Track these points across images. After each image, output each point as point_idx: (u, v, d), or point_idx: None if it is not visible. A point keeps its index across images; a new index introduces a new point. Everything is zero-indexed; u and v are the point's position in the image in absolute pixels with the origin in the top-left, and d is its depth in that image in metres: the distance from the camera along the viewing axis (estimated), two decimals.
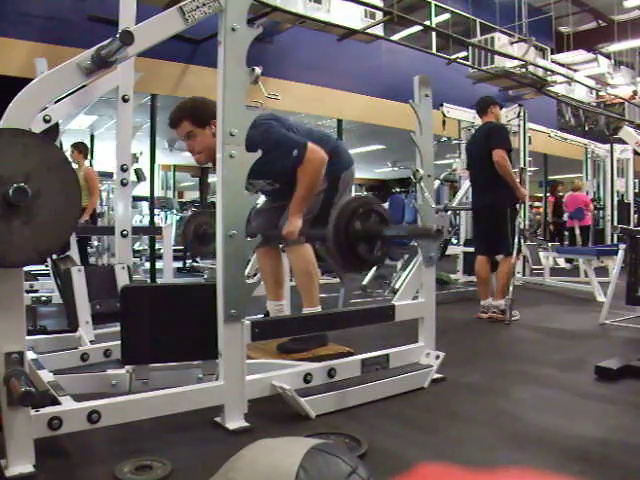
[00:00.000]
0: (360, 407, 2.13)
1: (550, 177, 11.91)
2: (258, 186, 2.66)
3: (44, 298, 3.93)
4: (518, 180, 4.23)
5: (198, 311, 1.94)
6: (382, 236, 2.06)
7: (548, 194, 11.14)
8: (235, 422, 1.88)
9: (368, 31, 7.25)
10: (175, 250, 7.05)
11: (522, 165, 6.19)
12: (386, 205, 8.28)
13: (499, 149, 4.03)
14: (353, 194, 2.82)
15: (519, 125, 6.58)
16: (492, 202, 4.15)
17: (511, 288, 4.06)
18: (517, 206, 4.23)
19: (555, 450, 1.74)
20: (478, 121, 6.48)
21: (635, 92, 12.37)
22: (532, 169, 7.82)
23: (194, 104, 2.46)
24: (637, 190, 9.50)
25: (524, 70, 8.90)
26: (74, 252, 3.42)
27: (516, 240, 4.12)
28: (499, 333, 3.79)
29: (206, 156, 2.46)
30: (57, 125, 2.97)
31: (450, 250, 6.36)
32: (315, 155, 2.44)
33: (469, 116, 6.69)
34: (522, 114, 6.57)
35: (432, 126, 2.57)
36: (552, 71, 9.69)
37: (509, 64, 8.83)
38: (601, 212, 8.89)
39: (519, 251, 4.40)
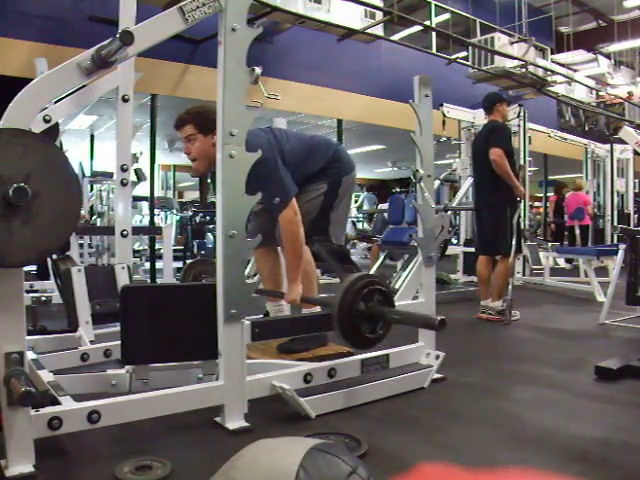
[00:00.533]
0: (360, 407, 2.13)
1: (550, 177, 11.91)
2: None
3: (44, 298, 3.92)
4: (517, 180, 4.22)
5: (198, 311, 1.94)
6: (384, 318, 2.08)
7: (551, 194, 11.13)
8: (235, 422, 1.88)
9: (368, 31, 7.24)
10: (175, 250, 7.06)
11: (522, 162, 6.20)
12: (386, 205, 8.29)
13: (496, 148, 4.03)
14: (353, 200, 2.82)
15: (519, 125, 6.58)
16: (491, 201, 4.16)
17: (510, 288, 4.06)
18: (517, 204, 4.20)
19: (555, 450, 1.74)
20: (478, 121, 6.52)
21: (630, 93, 12.36)
22: (532, 169, 7.83)
23: (202, 110, 2.47)
24: (637, 190, 9.49)
25: (524, 70, 8.90)
26: (74, 252, 3.42)
27: (514, 241, 4.11)
28: (499, 333, 3.79)
29: (202, 164, 2.48)
30: (57, 125, 2.97)
31: (450, 250, 6.36)
32: (289, 215, 2.47)
33: (469, 116, 6.70)
34: (522, 114, 6.58)
35: (432, 126, 2.57)
36: (552, 71, 9.68)
37: (509, 64, 8.83)
38: (601, 212, 8.88)
39: (520, 251, 4.40)
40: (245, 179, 1.88)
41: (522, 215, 5.70)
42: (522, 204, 4.27)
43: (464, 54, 8.86)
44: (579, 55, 12.20)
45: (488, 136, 4.14)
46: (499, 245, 4.13)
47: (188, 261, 3.80)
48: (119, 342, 2.01)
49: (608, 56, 13.32)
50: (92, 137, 9.92)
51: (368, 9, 7.23)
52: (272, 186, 2.44)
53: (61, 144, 3.97)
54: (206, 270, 3.44)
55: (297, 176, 2.57)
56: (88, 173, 8.12)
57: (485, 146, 4.11)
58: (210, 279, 3.37)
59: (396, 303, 2.44)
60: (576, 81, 10.98)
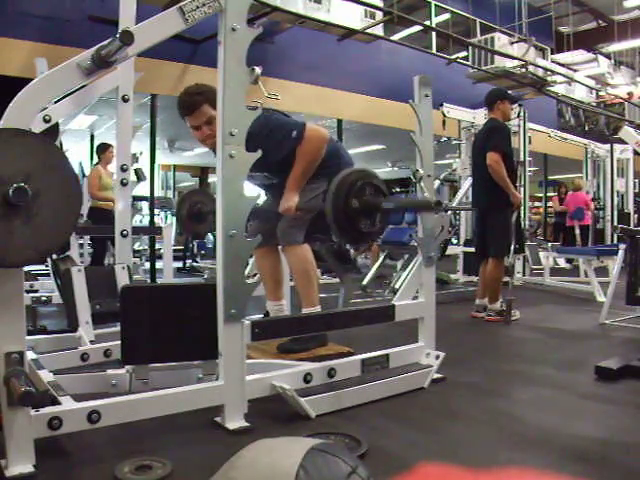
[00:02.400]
0: (360, 407, 2.13)
1: (550, 177, 11.91)
2: (257, 179, 2.66)
3: (44, 298, 3.92)
4: (516, 181, 4.21)
5: (198, 311, 1.94)
6: (381, 209, 2.06)
7: (554, 193, 11.12)
8: (235, 422, 1.88)
9: (368, 31, 7.24)
10: (175, 250, 7.06)
11: (521, 159, 6.19)
12: None
13: (493, 152, 3.98)
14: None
15: (519, 125, 6.58)
16: (489, 202, 4.15)
17: (510, 287, 4.06)
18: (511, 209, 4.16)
19: (555, 450, 1.74)
20: (478, 121, 6.53)
21: (630, 93, 12.35)
22: (532, 169, 7.83)
23: (210, 87, 2.37)
24: (637, 190, 9.49)
25: (524, 70, 8.89)
26: (74, 252, 3.42)
27: (513, 241, 4.09)
28: (499, 333, 3.79)
29: None
30: (57, 125, 2.96)
31: (450, 250, 6.37)
32: (315, 133, 2.47)
33: (469, 116, 6.70)
34: (522, 114, 6.58)
35: (432, 126, 2.57)
36: (552, 71, 9.68)
37: (509, 64, 8.82)
38: (601, 212, 8.88)
39: (522, 251, 4.39)
40: (244, 179, 1.89)
41: (522, 215, 5.71)
42: (522, 204, 4.24)
43: (464, 54, 8.86)
44: (579, 55, 12.20)
45: (487, 137, 4.12)
46: (491, 246, 4.11)
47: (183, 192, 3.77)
48: (119, 342, 2.01)
49: (608, 56, 13.31)
50: (92, 137, 9.92)
51: (368, 9, 7.22)
52: (282, 129, 2.45)
53: (61, 144, 3.96)
54: (201, 200, 3.44)
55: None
56: (88, 173, 8.12)
57: (484, 146, 4.09)
58: (204, 207, 3.36)
59: (396, 303, 2.45)
60: (576, 81, 10.98)
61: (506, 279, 4.16)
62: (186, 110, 2.48)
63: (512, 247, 4.09)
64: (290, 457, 0.92)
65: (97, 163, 5.99)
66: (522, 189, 6.49)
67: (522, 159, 6.21)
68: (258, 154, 1.90)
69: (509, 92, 4.39)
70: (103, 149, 5.93)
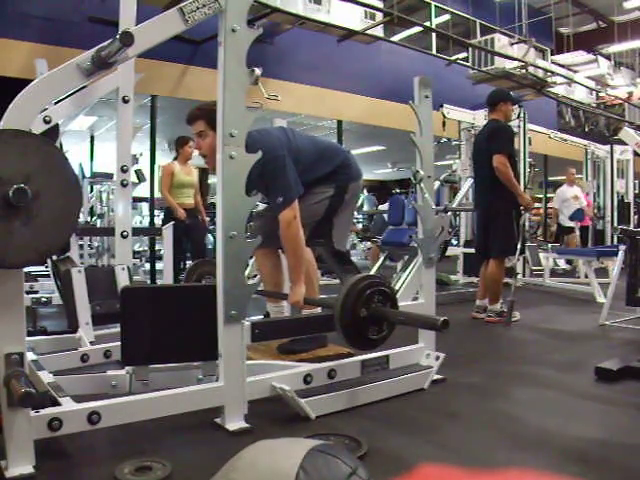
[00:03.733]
0: (360, 408, 2.13)
1: (550, 178, 11.91)
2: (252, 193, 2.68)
3: (44, 299, 3.92)
4: (523, 184, 4.19)
5: (198, 312, 1.94)
6: (387, 319, 2.08)
7: (552, 195, 11.12)
8: (235, 423, 1.88)
9: (368, 32, 7.24)
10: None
11: (531, 161, 6.18)
12: (386, 206, 8.27)
13: (499, 154, 3.95)
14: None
15: (519, 126, 6.58)
16: (491, 203, 4.14)
17: (512, 289, 4.06)
18: (518, 206, 4.12)
19: (555, 451, 1.74)
20: (478, 122, 6.53)
21: (630, 94, 12.36)
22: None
23: (214, 107, 2.46)
24: (637, 191, 9.48)
25: (524, 71, 8.90)
26: (74, 253, 3.42)
27: (518, 244, 4.08)
28: (499, 334, 3.78)
29: (212, 161, 2.48)
30: (57, 126, 2.96)
31: (450, 251, 6.36)
32: (289, 216, 2.46)
33: (469, 117, 6.70)
34: (522, 115, 6.57)
35: (432, 127, 2.57)
36: (552, 72, 9.69)
37: (509, 65, 8.83)
38: (600, 221, 8.87)
39: (522, 252, 4.38)
40: (245, 179, 1.89)
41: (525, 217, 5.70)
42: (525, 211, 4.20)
43: (464, 55, 8.86)
44: (579, 56, 12.20)
45: (489, 138, 4.10)
46: (494, 246, 4.11)
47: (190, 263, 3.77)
48: (119, 343, 2.01)
49: (608, 57, 13.31)
50: (92, 138, 9.92)
51: (368, 10, 7.22)
52: (278, 184, 2.46)
53: (61, 145, 3.96)
54: (210, 271, 3.44)
55: (305, 177, 2.58)
56: (88, 174, 8.13)
57: (486, 147, 4.08)
58: (214, 280, 3.37)
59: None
60: (576, 82, 10.99)
61: (507, 280, 4.16)
62: (187, 121, 2.56)
63: (518, 247, 4.08)
64: (290, 458, 0.91)
65: (175, 158, 5.51)
66: (530, 190, 6.49)
67: (532, 161, 6.20)
68: (258, 154, 1.91)
69: (511, 93, 4.37)
70: (182, 143, 5.36)
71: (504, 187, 3.99)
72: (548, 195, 11.48)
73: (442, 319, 1.94)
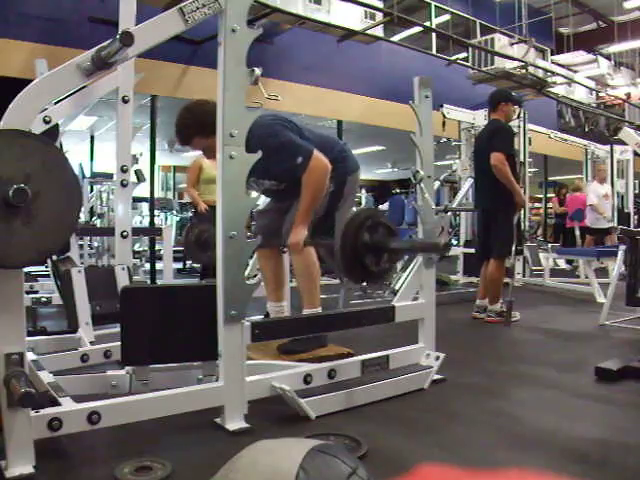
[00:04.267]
0: (360, 408, 2.13)
1: (550, 178, 11.91)
2: (265, 186, 2.66)
3: (44, 299, 3.92)
4: (519, 182, 4.19)
5: (198, 312, 1.94)
6: (389, 249, 2.07)
7: (551, 195, 11.12)
8: (235, 423, 1.88)
9: (368, 32, 7.25)
10: (175, 251, 7.05)
11: (521, 160, 6.18)
12: (386, 206, 8.29)
13: (498, 152, 3.96)
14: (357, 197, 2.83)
15: (519, 126, 6.57)
16: (491, 203, 4.14)
17: (510, 289, 4.06)
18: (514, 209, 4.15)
19: (555, 451, 1.74)
20: (478, 122, 6.53)
21: (628, 94, 12.36)
22: (532, 170, 7.83)
23: (199, 117, 2.42)
24: (637, 191, 9.48)
25: (524, 71, 8.90)
26: (74, 253, 3.42)
27: (513, 245, 4.08)
28: (499, 334, 3.78)
29: None
30: (57, 126, 2.96)
31: (450, 251, 6.36)
32: (319, 164, 2.44)
33: (469, 117, 6.70)
34: (522, 115, 6.57)
35: (432, 127, 2.57)
36: (552, 72, 9.69)
37: (509, 65, 8.83)
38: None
39: (520, 252, 4.39)
40: (244, 180, 1.89)
41: (522, 216, 5.70)
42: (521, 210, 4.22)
43: (464, 55, 8.86)
44: (579, 56, 12.21)
45: (490, 137, 4.10)
46: (494, 246, 4.11)
47: (189, 214, 3.86)
48: (119, 343, 2.01)
49: (608, 57, 13.32)
50: (92, 138, 9.93)
51: (368, 10, 7.23)
52: (290, 150, 2.43)
53: (61, 145, 3.96)
54: (207, 228, 3.46)
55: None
56: (88, 174, 8.14)
57: (486, 147, 4.08)
58: (211, 237, 3.39)
59: (396, 304, 2.45)
60: (576, 82, 10.99)
61: (506, 280, 4.16)
62: (182, 142, 2.55)
63: (513, 248, 4.08)
64: (290, 458, 0.92)
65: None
66: (523, 190, 6.49)
67: (522, 160, 6.20)
68: (258, 155, 1.90)
69: (513, 94, 4.36)
70: None
71: (504, 187, 4.00)
72: (548, 195, 11.49)
73: (443, 241, 1.94)
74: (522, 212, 4.25)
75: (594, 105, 11.99)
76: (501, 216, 4.08)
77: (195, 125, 2.44)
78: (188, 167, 5.76)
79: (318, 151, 2.46)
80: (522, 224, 4.20)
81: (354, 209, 2.43)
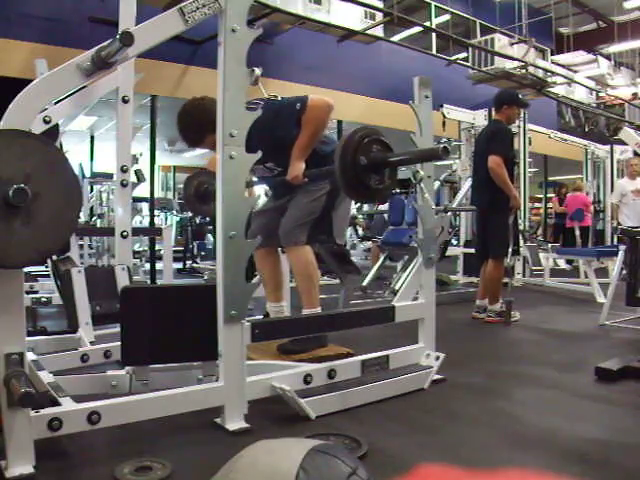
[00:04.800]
0: (360, 408, 2.13)
1: (550, 178, 11.91)
2: (259, 172, 2.66)
3: (44, 299, 3.93)
4: (514, 182, 4.19)
5: (198, 312, 1.94)
6: (388, 162, 2.05)
7: (551, 195, 11.12)
8: (235, 423, 1.88)
9: (368, 32, 7.26)
10: (175, 251, 7.05)
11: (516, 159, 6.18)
12: (386, 206, 8.28)
13: (495, 155, 3.97)
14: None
15: (519, 126, 6.58)
16: (487, 204, 4.14)
17: (509, 288, 4.06)
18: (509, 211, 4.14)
19: (555, 451, 1.74)
20: (478, 122, 6.53)
21: (635, 94, 12.36)
22: (532, 170, 7.83)
23: (208, 116, 2.41)
24: None
25: (524, 71, 8.91)
26: (74, 253, 3.42)
27: (510, 245, 4.08)
28: (499, 334, 3.78)
29: None
30: (57, 126, 2.97)
31: (450, 251, 6.36)
32: (319, 100, 2.49)
33: (469, 117, 6.70)
34: (522, 115, 6.57)
35: (432, 127, 2.57)
36: (552, 72, 9.70)
37: (509, 65, 8.84)
38: (601, 214, 8.87)
39: (517, 253, 4.38)
40: (245, 180, 1.89)
41: (520, 217, 5.70)
42: (523, 205, 4.21)
43: (464, 55, 8.87)
44: (579, 56, 12.22)
45: (489, 139, 4.10)
46: (491, 246, 4.11)
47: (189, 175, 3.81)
48: (119, 343, 2.01)
49: (608, 57, 13.33)
50: (92, 138, 9.93)
51: (368, 10, 7.23)
52: (287, 106, 2.51)
53: (61, 145, 3.96)
54: (208, 180, 3.45)
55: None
56: (88, 174, 8.13)
57: (485, 148, 4.09)
58: (211, 187, 3.38)
59: (396, 304, 2.45)
60: (576, 82, 10.99)
61: (505, 280, 4.16)
62: (193, 144, 2.59)
63: (510, 248, 4.08)
64: (290, 458, 0.92)
65: None
66: (520, 190, 6.49)
67: (517, 160, 6.20)
68: (258, 155, 1.91)
69: (520, 97, 4.31)
70: None
71: (493, 189, 4.01)
72: (548, 195, 11.49)
73: (441, 146, 1.93)
74: (518, 213, 4.22)
75: (594, 105, 12.00)
76: (497, 217, 4.08)
77: (208, 122, 2.43)
78: (206, 165, 5.74)
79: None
80: (518, 225, 4.19)
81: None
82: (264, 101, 2.54)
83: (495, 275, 4.09)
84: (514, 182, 4.27)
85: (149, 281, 6.42)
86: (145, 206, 7.95)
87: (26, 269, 1.62)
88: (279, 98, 2.64)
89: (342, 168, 2.01)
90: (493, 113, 4.40)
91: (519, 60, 8.79)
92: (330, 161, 2.65)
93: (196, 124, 2.48)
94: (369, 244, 9.24)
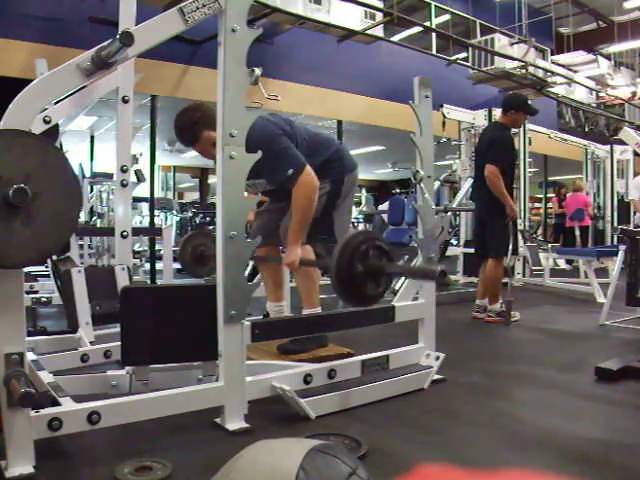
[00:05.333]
0: (360, 408, 2.13)
1: (550, 178, 11.91)
2: (260, 187, 2.66)
3: (44, 299, 3.92)
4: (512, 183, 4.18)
5: (198, 312, 1.94)
6: (385, 272, 2.06)
7: (551, 195, 11.12)
8: (235, 423, 1.88)
9: (368, 32, 7.25)
10: (175, 251, 7.04)
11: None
12: (386, 206, 8.28)
13: (492, 165, 3.95)
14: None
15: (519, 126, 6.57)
16: (486, 204, 4.13)
17: (509, 288, 4.06)
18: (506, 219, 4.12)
19: (555, 451, 1.74)
20: (478, 122, 6.53)
21: (634, 93, 12.36)
22: (532, 170, 7.83)
23: (206, 111, 2.41)
24: None
25: (524, 71, 8.90)
26: (74, 253, 3.42)
27: (510, 245, 4.07)
28: (499, 334, 3.78)
29: None
30: (57, 126, 2.97)
31: (450, 251, 6.36)
32: (309, 179, 2.43)
33: (469, 117, 6.70)
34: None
35: (432, 127, 2.57)
36: (552, 72, 9.69)
37: (509, 65, 8.83)
38: (600, 221, 8.86)
39: (515, 253, 4.37)
40: (244, 180, 1.89)
41: (520, 217, 5.69)
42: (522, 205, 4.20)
43: (464, 55, 8.86)
44: (579, 56, 12.21)
45: (489, 146, 4.08)
46: (490, 246, 4.11)
47: (188, 214, 3.81)
48: (119, 343, 2.01)
49: (608, 57, 13.32)
50: (92, 138, 9.92)
51: (368, 10, 7.23)
52: (282, 160, 2.42)
53: (61, 145, 3.96)
54: (204, 242, 3.45)
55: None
56: (88, 174, 8.13)
57: (485, 153, 4.09)
58: (207, 250, 3.39)
59: (396, 304, 2.45)
60: (576, 82, 10.99)
61: (505, 280, 4.16)
62: (189, 143, 2.54)
63: (510, 249, 4.08)
64: (290, 458, 0.91)
65: None
66: (520, 190, 6.49)
67: (517, 161, 6.20)
68: (258, 155, 1.91)
69: (529, 103, 4.27)
70: None
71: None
72: (548, 195, 11.49)
73: (440, 269, 1.92)
74: (517, 216, 4.21)
75: (594, 105, 11.99)
76: (497, 216, 4.08)
77: (201, 119, 2.43)
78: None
79: (309, 167, 2.45)
80: (517, 225, 4.17)
81: (352, 207, 2.40)
82: (275, 123, 2.50)
83: (495, 275, 4.09)
84: (514, 183, 4.26)
85: (149, 281, 6.41)
86: (145, 206, 7.95)
87: (26, 269, 1.62)
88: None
89: (338, 273, 2.00)
90: (498, 114, 4.38)
91: (519, 60, 8.78)
92: (331, 165, 2.66)
93: (190, 121, 2.47)
94: None
